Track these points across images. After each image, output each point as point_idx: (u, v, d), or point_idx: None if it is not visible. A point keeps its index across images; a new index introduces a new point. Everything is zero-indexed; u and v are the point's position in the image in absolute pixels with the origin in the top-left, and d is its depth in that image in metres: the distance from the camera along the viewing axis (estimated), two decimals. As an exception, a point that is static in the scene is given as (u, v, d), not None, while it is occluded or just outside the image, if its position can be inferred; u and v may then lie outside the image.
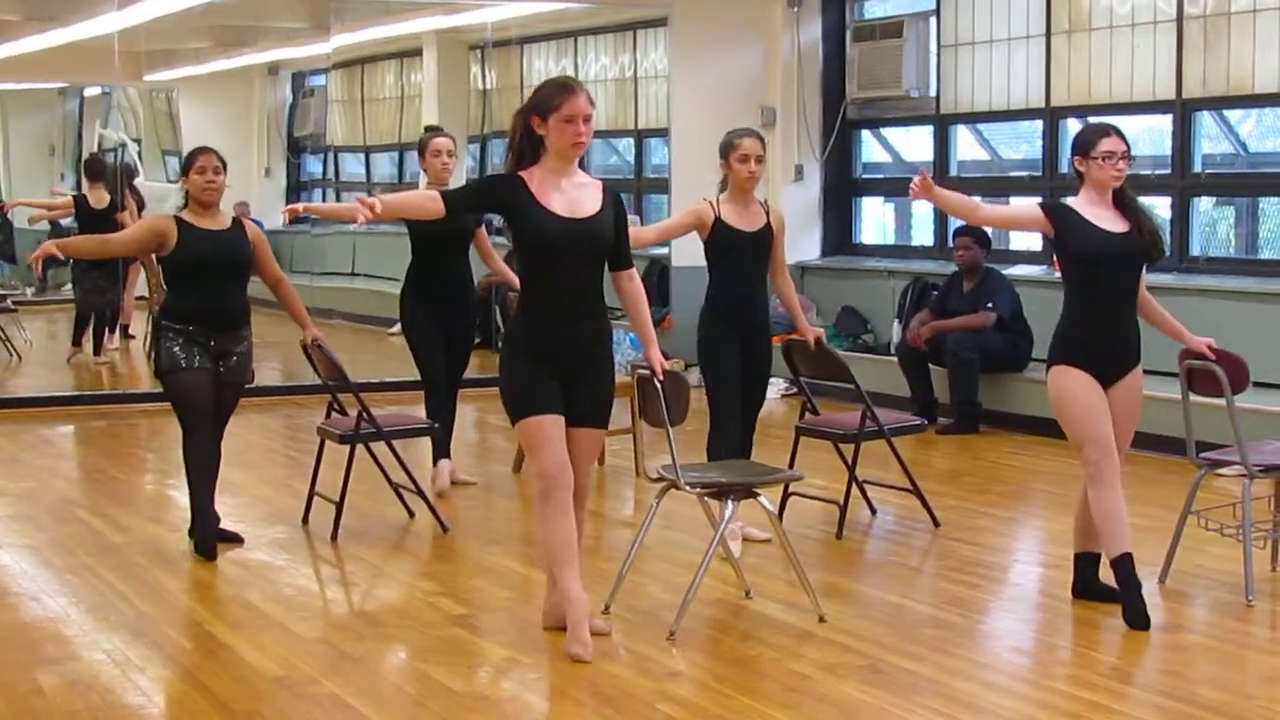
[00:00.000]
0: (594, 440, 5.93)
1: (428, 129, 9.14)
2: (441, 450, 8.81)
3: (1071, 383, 6.18)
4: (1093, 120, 6.54)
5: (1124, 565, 6.13)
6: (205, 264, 7.21)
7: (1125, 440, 6.33)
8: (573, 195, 5.77)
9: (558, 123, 5.68)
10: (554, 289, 5.75)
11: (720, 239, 7.33)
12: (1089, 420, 6.16)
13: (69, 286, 15.30)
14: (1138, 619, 6.05)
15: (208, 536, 7.32)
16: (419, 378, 8.85)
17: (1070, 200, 6.31)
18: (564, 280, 5.75)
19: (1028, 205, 6.55)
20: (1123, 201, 6.24)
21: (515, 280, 9.04)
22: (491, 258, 8.86)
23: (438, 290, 8.64)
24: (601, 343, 5.90)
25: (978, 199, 6.96)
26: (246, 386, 7.57)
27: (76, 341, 14.42)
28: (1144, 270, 6.31)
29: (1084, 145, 6.23)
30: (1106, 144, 6.17)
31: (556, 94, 5.70)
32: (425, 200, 5.90)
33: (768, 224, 7.40)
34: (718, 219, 7.32)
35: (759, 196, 7.51)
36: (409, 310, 8.75)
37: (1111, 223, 6.19)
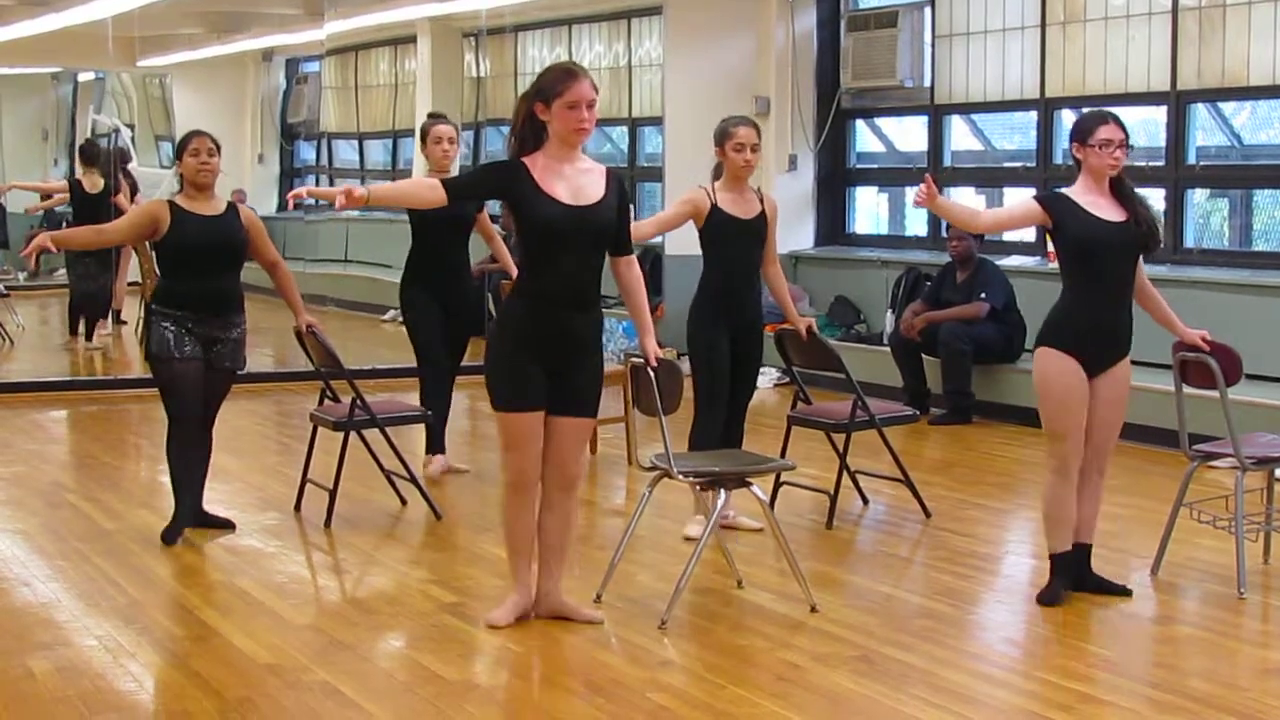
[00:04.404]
0: (584, 429, 5.93)
1: (430, 116, 9.09)
2: (437, 443, 8.79)
3: (1057, 370, 6.18)
4: (1090, 109, 6.50)
5: (1062, 560, 6.33)
6: (199, 249, 7.17)
7: (1114, 431, 6.32)
8: (577, 182, 5.72)
9: (561, 108, 5.64)
10: (556, 277, 5.70)
11: (716, 225, 7.31)
12: (1069, 415, 6.18)
13: (62, 272, 15.29)
14: (1048, 597, 6.27)
15: (175, 527, 7.35)
16: (415, 364, 8.81)
17: (1067, 189, 6.29)
18: (566, 268, 5.70)
19: (1023, 203, 6.51)
20: (1120, 190, 6.22)
21: (514, 267, 9.08)
22: (494, 240, 8.85)
23: (439, 277, 8.60)
24: (595, 334, 5.88)
25: (976, 207, 6.95)
26: (238, 373, 7.54)
27: (74, 331, 14.38)
28: (1141, 260, 6.30)
29: (1082, 132, 6.20)
30: (1104, 131, 6.15)
31: (560, 79, 5.66)
32: (424, 189, 5.84)
33: (762, 212, 7.38)
34: (714, 205, 7.30)
35: (752, 185, 7.49)
36: (409, 295, 8.70)
37: (1108, 211, 6.18)
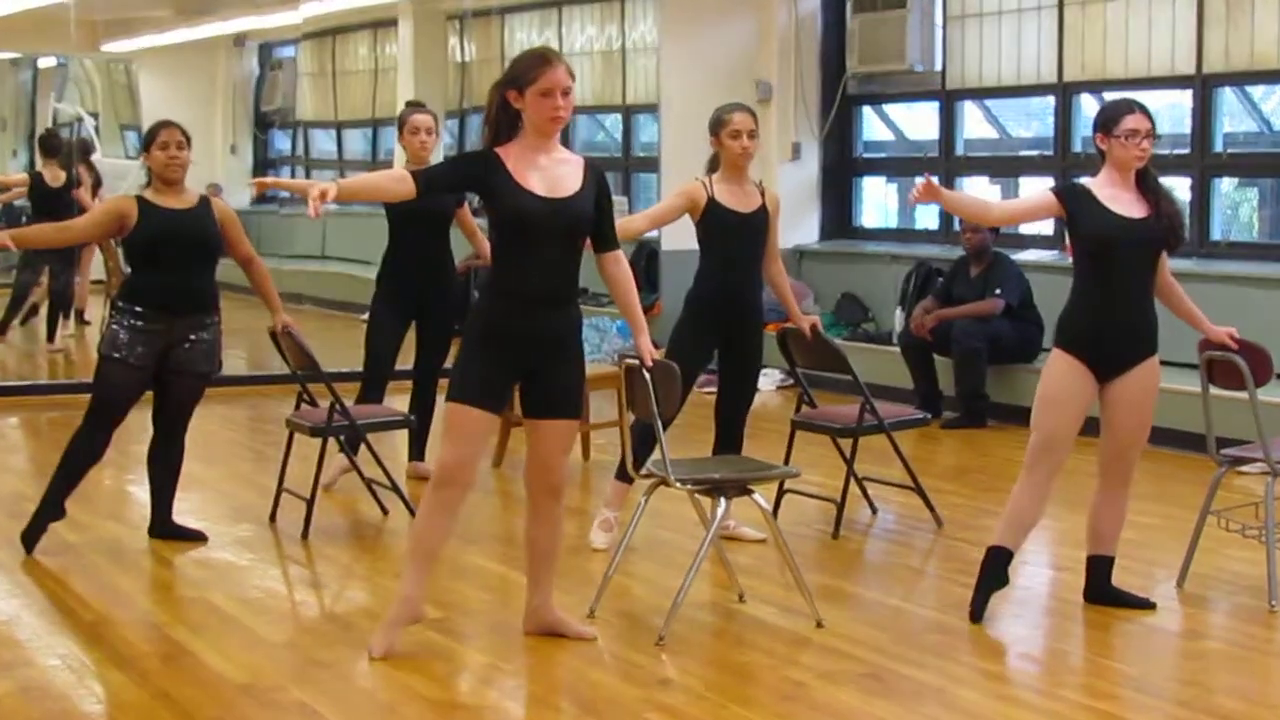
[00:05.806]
0: (566, 432, 5.89)
1: (408, 104, 9.13)
2: (352, 448, 8.76)
3: (1060, 371, 6.21)
4: (1115, 96, 6.51)
5: (998, 557, 6.29)
6: (168, 245, 7.17)
7: (1137, 437, 6.30)
8: (553, 173, 5.72)
9: (535, 96, 5.64)
10: (530, 272, 5.70)
11: (713, 220, 7.30)
12: (1052, 414, 6.20)
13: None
14: (974, 610, 6.25)
15: (33, 531, 7.40)
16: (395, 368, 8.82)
17: (1088, 180, 6.28)
18: (540, 263, 5.70)
19: (1039, 194, 6.53)
20: (1145, 183, 6.21)
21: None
22: (475, 236, 8.84)
23: (414, 275, 8.63)
24: (572, 332, 5.86)
25: (987, 197, 6.95)
26: (212, 376, 7.53)
27: (2, 330, 14.38)
28: (1163, 256, 6.30)
29: (1106, 122, 6.18)
30: (1130, 122, 6.13)
31: (533, 66, 5.67)
32: (392, 181, 5.83)
33: (763, 206, 7.38)
34: (711, 199, 7.29)
35: (753, 178, 7.49)
36: (381, 295, 8.73)
37: (1129, 206, 6.16)
